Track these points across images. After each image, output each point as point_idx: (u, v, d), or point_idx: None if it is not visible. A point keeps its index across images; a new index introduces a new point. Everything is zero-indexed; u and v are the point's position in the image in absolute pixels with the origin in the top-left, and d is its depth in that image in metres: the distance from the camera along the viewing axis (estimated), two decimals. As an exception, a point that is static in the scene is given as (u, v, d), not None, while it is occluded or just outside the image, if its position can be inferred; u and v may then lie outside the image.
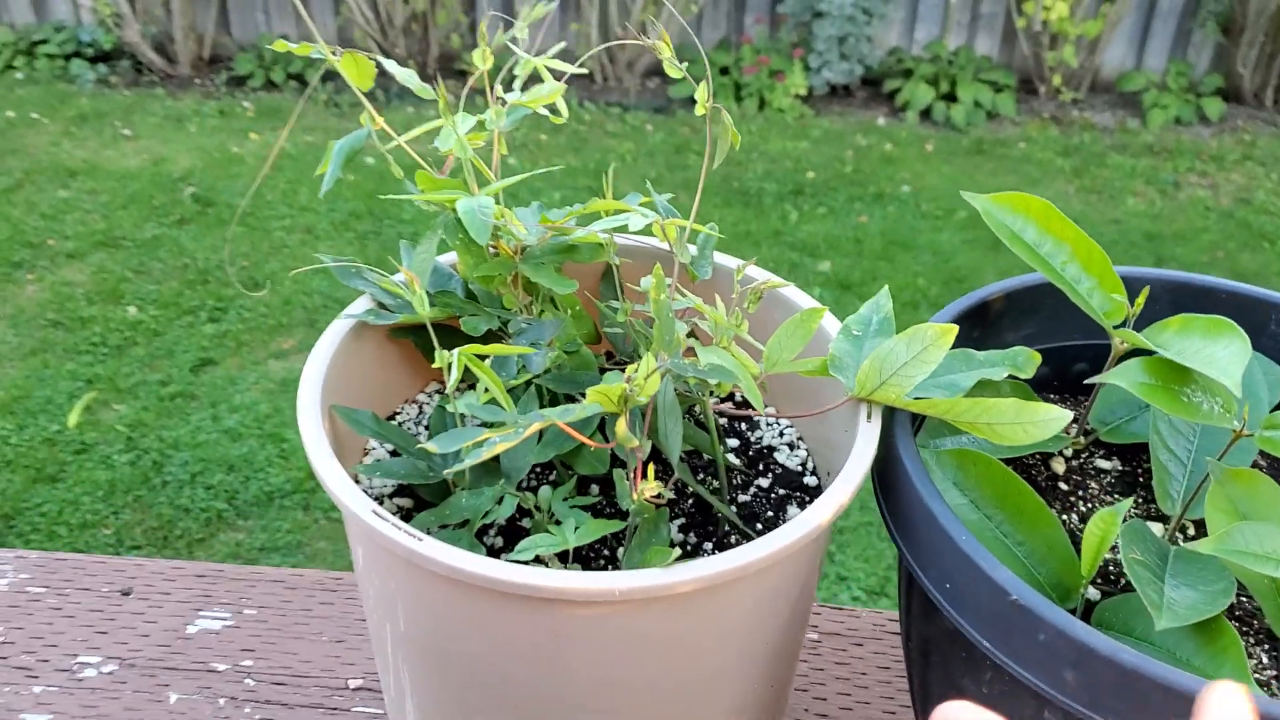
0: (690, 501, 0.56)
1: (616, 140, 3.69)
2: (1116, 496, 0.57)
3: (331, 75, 3.95)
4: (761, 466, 0.59)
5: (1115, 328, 0.54)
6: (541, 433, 0.53)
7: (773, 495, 0.57)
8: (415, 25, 4.05)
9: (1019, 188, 3.47)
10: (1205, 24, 3.97)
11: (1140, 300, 0.54)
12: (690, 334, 0.52)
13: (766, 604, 0.48)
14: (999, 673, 0.46)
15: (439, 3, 3.99)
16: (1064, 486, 0.57)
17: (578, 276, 0.59)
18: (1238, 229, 3.24)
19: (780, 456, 0.60)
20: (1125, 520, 0.48)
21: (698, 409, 0.58)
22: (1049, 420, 0.47)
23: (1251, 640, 0.49)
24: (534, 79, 0.53)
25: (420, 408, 0.63)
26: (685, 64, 0.51)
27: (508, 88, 0.54)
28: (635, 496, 0.47)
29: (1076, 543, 0.53)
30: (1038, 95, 4.12)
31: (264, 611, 0.73)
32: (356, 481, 0.51)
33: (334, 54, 0.51)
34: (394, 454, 0.59)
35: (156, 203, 3.11)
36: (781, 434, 0.62)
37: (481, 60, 0.53)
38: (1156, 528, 0.54)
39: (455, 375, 0.45)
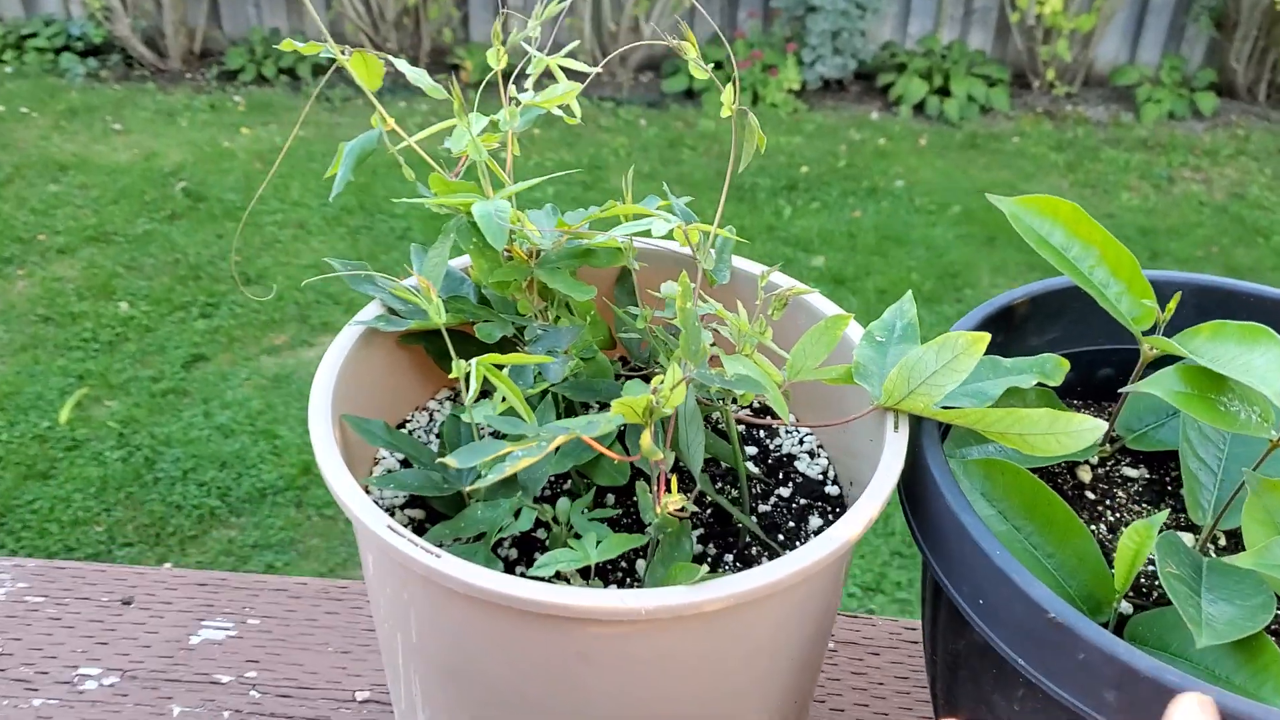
0: (709, 511, 0.55)
1: (610, 135, 3.67)
2: (1145, 505, 0.56)
3: (322, 69, 3.92)
4: (781, 475, 0.58)
5: (1144, 333, 0.53)
6: (559, 442, 0.52)
7: (794, 505, 0.56)
8: (407, 19, 4.03)
9: (1013, 182, 3.47)
10: (1199, 18, 3.96)
11: (1171, 306, 0.53)
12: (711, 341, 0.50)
13: (794, 620, 0.47)
14: (1032, 690, 0.44)
15: (431, -4, 3.96)
16: (1091, 495, 0.56)
17: (590, 280, 0.57)
18: (1232, 224, 3.24)
19: (801, 465, 0.59)
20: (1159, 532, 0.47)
21: (715, 416, 0.57)
22: (1083, 431, 0.46)
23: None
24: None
25: (431, 415, 0.62)
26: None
27: (518, 86, 0.52)
28: (659, 510, 0.46)
29: (1105, 553, 0.52)
30: (1031, 89, 4.11)
31: (268, 621, 0.72)
32: (367, 492, 0.50)
33: (343, 53, 0.50)
34: (405, 463, 0.57)
35: (147, 198, 3.08)
36: (801, 441, 0.61)
37: (496, 60, 0.52)
38: (1186, 538, 0.53)
39: (475, 386, 0.44)
